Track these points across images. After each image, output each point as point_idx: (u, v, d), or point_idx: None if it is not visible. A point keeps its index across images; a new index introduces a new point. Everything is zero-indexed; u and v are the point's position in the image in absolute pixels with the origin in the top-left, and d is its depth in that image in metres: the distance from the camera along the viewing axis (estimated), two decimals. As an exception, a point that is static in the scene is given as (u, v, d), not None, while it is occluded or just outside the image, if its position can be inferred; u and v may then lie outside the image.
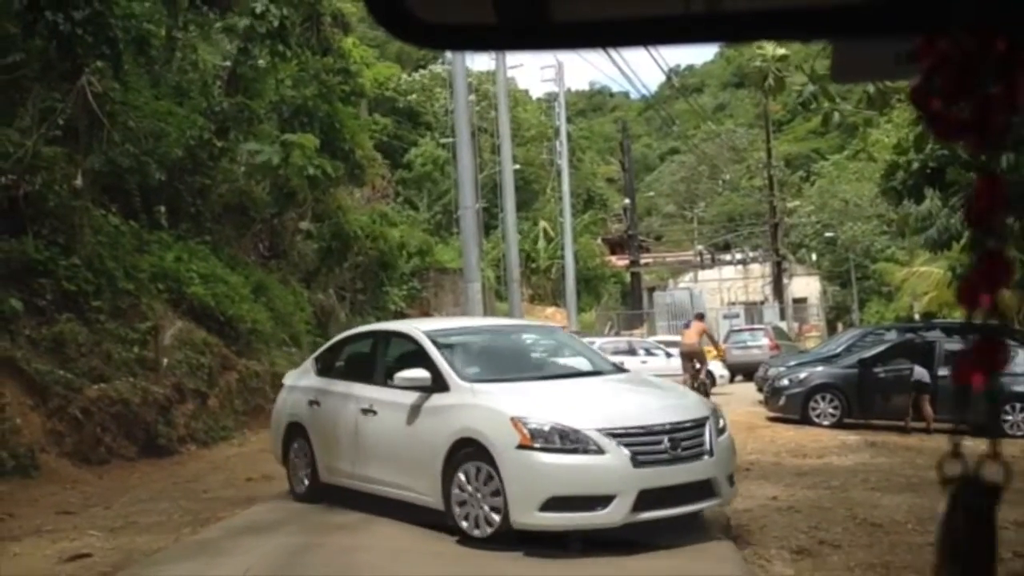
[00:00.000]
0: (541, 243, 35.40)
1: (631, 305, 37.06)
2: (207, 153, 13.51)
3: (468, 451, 5.64)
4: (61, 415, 8.64)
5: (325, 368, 7.58)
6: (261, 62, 14.25)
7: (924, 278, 25.16)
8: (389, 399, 6.40)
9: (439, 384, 6.04)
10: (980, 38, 0.67)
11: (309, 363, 7.95)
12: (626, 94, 72.53)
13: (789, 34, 0.84)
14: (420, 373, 6.12)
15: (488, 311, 21.80)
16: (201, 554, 5.71)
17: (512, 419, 5.48)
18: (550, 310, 32.61)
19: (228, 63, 14.97)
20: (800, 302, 41.78)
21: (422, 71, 37.43)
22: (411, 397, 6.14)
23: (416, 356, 6.46)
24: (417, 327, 7.21)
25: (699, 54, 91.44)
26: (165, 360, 10.36)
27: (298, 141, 14.01)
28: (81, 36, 9.88)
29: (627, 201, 37.75)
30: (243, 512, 7.00)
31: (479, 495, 5.54)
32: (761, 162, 38.42)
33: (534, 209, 36.75)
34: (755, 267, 40.65)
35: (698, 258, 42.96)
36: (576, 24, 0.80)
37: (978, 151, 0.70)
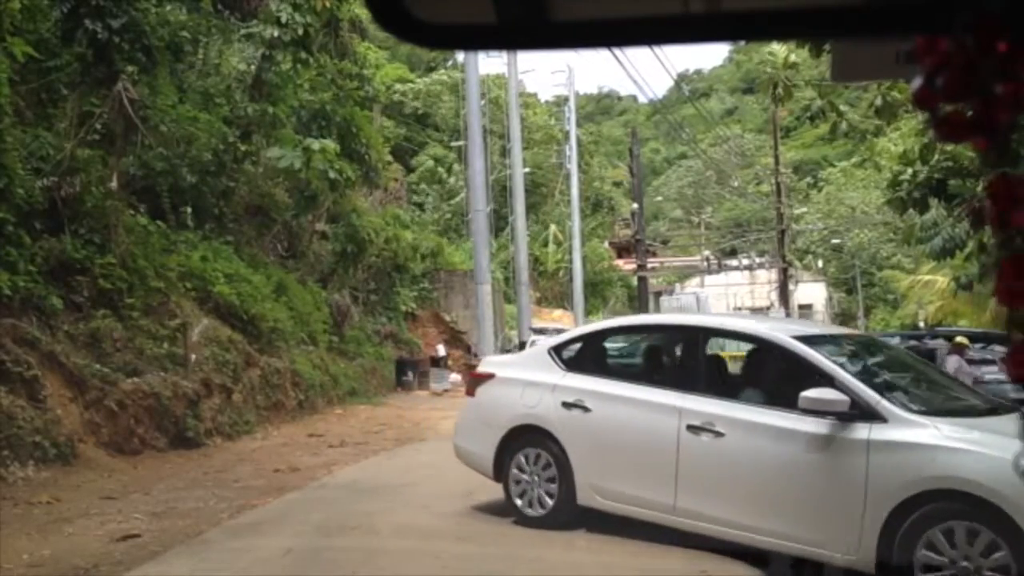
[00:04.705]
0: (551, 247, 35.74)
1: (637, 309, 37.22)
2: (231, 156, 13.91)
3: (938, 507, 4.50)
4: (98, 407, 9.04)
5: (582, 363, 6.18)
6: (285, 66, 14.64)
7: (930, 286, 25.42)
8: (752, 420, 5.21)
9: (862, 412, 4.81)
10: (980, 37, 0.66)
11: (542, 353, 6.44)
12: (634, 97, 72.93)
13: (789, 34, 0.93)
14: (834, 395, 4.86)
15: (496, 313, 22.15)
16: (243, 536, 6.08)
17: None
18: (557, 312, 32.93)
19: (251, 68, 15.36)
20: (806, 308, 42.11)
21: (425, 79, 37.79)
22: (805, 423, 4.91)
23: (787, 368, 5.30)
24: (778, 329, 5.88)
25: (708, 58, 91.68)
26: (193, 356, 10.75)
27: (320, 148, 14.41)
28: (118, 44, 10.31)
29: (635, 205, 37.98)
30: (276, 500, 7.38)
31: (965, 564, 4.39)
32: (769, 168, 38.70)
33: (543, 212, 37.10)
34: (761, 273, 40.90)
35: (705, 263, 43.22)
36: (575, 23, 0.81)
37: (985, 151, 0.69)
